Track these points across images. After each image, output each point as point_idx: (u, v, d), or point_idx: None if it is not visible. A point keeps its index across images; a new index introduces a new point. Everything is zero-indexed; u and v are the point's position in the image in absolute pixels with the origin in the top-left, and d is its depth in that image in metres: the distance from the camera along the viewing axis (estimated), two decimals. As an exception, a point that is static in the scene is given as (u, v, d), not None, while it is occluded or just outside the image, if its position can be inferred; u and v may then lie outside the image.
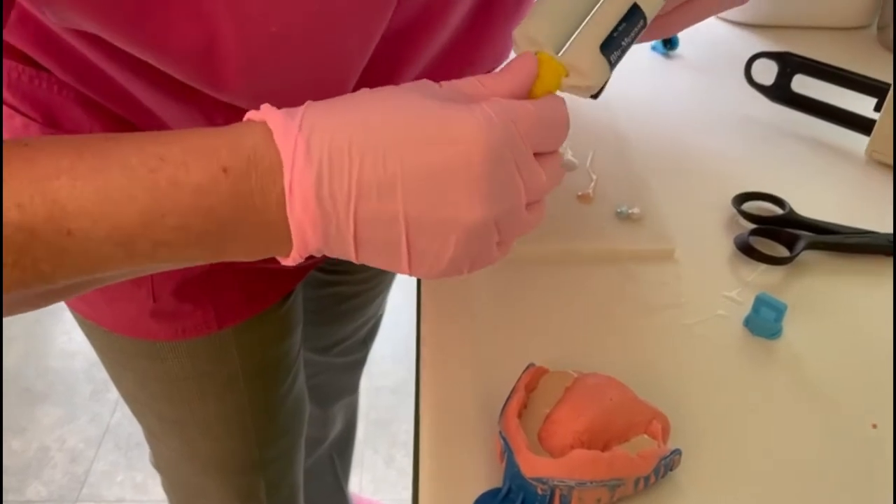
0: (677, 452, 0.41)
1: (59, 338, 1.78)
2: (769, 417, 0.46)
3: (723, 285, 0.55)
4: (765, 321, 0.51)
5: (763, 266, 0.57)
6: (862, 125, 0.70)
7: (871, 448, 0.45)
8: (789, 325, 0.52)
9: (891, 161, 0.68)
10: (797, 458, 0.44)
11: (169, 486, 0.80)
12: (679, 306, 0.54)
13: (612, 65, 0.37)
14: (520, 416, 0.42)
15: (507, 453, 0.40)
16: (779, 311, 0.50)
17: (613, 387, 0.43)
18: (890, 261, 0.58)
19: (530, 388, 0.44)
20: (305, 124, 0.31)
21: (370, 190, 0.31)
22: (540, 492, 0.39)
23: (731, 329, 0.52)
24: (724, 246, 0.59)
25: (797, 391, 0.48)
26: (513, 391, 0.43)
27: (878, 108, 0.69)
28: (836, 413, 0.47)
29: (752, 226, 0.59)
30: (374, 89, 0.34)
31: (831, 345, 0.51)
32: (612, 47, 0.37)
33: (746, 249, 0.57)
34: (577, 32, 0.37)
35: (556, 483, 0.39)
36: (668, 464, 0.41)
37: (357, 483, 1.46)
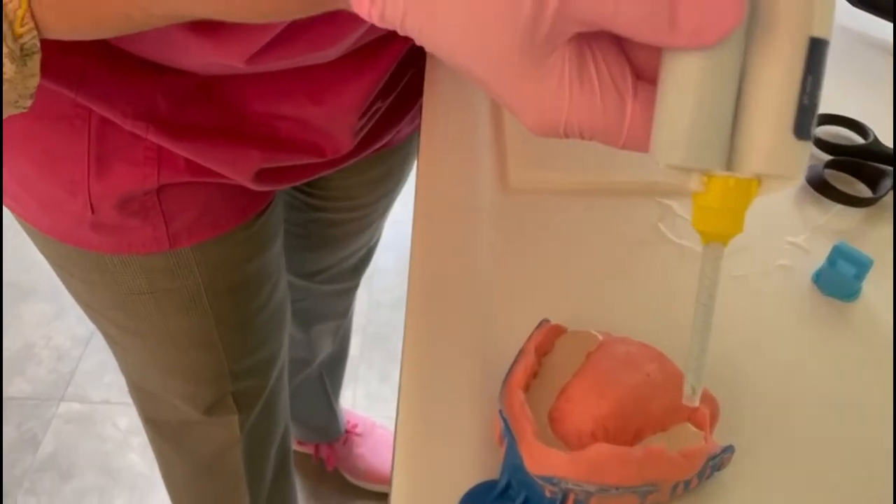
0: (730, 450, 0.32)
1: (46, 231, 1.71)
2: (842, 402, 0.37)
3: (787, 229, 0.45)
4: (842, 278, 0.40)
5: (838, 207, 0.46)
6: (965, 38, 0.58)
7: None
8: (869, 283, 0.41)
9: None
10: (876, 457, 0.35)
11: (133, 391, 0.73)
12: (731, 253, 0.43)
13: (812, 137, 0.24)
14: (527, 388, 0.33)
15: (508, 439, 0.31)
16: (862, 266, 0.40)
17: (651, 358, 0.33)
18: None
19: (543, 352, 0.35)
20: None
21: None
22: (548, 494, 0.30)
23: (796, 284, 0.42)
24: (790, 179, 0.48)
25: (879, 368, 0.38)
26: (520, 354, 0.34)
27: None
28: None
29: (826, 157, 0.48)
30: None
31: (918, 311, 0.41)
32: (806, 119, 0.23)
33: (820, 186, 0.46)
34: (746, 118, 0.24)
35: (570, 486, 0.30)
36: (716, 464, 0.32)
37: (350, 398, 1.41)
